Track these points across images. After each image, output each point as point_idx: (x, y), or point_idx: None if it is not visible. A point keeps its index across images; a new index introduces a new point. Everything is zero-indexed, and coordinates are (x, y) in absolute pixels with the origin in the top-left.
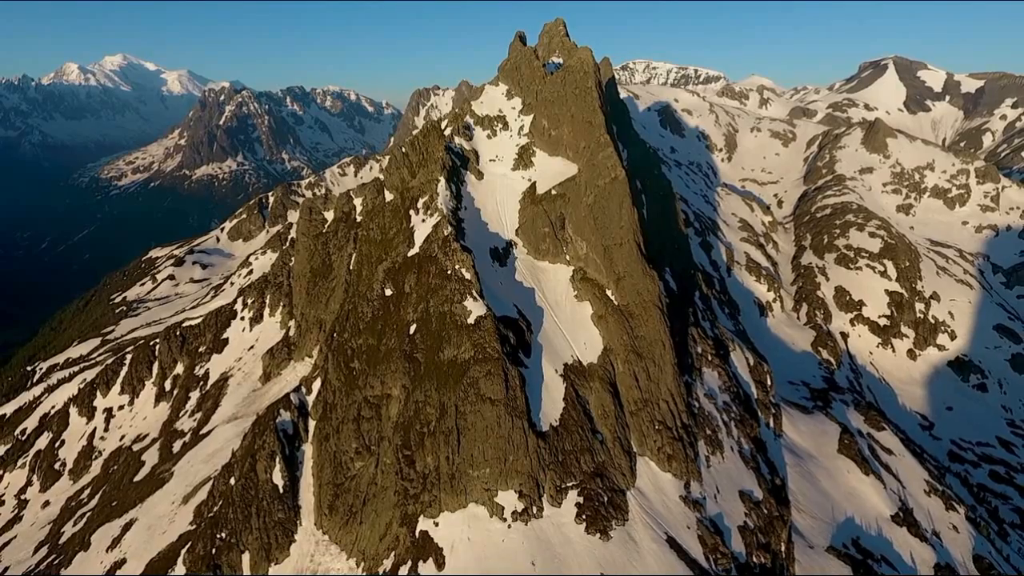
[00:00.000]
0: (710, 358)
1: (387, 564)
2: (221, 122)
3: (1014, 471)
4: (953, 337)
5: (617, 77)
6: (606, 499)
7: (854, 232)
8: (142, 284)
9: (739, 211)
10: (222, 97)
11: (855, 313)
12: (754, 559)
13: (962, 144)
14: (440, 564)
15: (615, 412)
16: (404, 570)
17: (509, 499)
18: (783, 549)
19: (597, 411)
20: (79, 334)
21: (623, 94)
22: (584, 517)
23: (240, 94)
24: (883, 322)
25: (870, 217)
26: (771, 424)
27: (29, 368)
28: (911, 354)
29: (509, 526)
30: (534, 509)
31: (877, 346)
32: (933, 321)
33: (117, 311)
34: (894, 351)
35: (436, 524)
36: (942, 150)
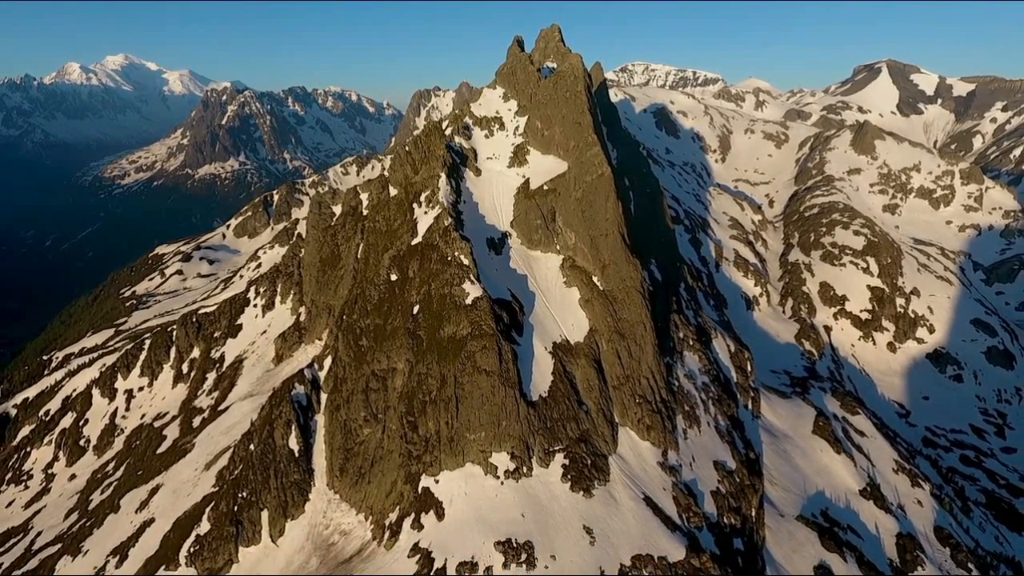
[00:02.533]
0: (691, 343)
1: (392, 517)
2: (223, 122)
3: (984, 455)
4: (932, 331)
5: (616, 79)
6: (589, 462)
7: (839, 230)
8: (151, 279)
9: (730, 210)
10: (224, 97)
11: (838, 307)
12: (725, 520)
13: (953, 146)
14: (440, 515)
15: (599, 386)
16: (408, 522)
17: (502, 460)
18: (753, 514)
19: (583, 385)
20: (91, 326)
21: (620, 96)
22: (569, 477)
23: (242, 94)
24: (865, 316)
25: (855, 216)
26: (749, 406)
27: (45, 357)
28: (891, 347)
29: (502, 483)
30: (524, 469)
31: (859, 339)
32: (913, 315)
33: (127, 304)
34: (875, 344)
35: (437, 481)
36: (928, 152)
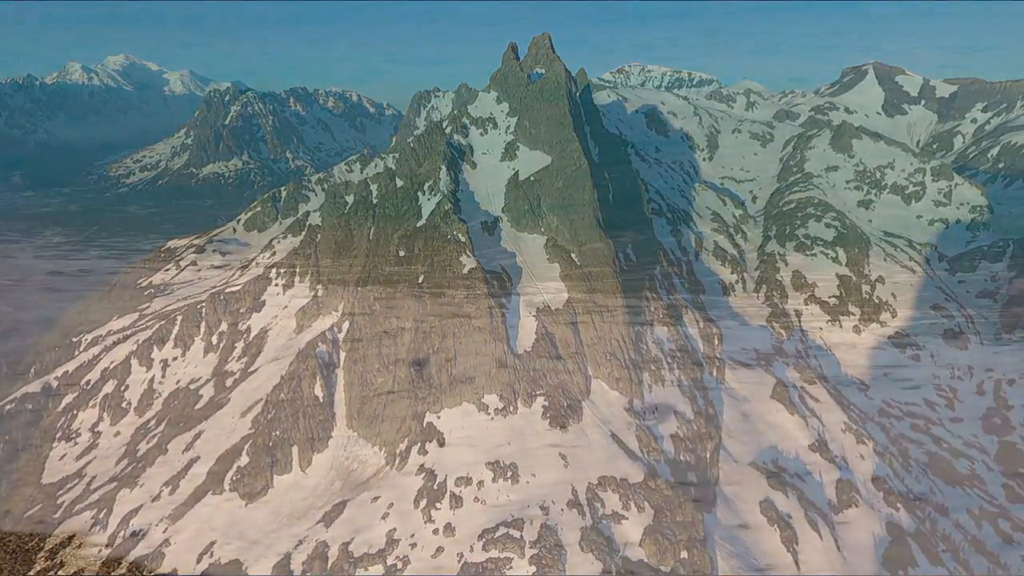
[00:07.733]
0: (662, 316)
1: (402, 446)
2: (227, 122)
3: (933, 423)
4: (894, 315)
5: (613, 80)
6: (565, 404)
7: (812, 223)
8: (166, 270)
9: (712, 205)
10: (227, 97)
11: (808, 294)
12: (681, 457)
13: (935, 146)
14: (441, 443)
15: (575, 344)
16: (415, 449)
17: (492, 400)
18: (708, 456)
19: (561, 343)
20: (115, 311)
21: (613, 97)
22: (548, 415)
23: (245, 95)
24: (833, 302)
25: (828, 209)
26: (714, 374)
27: (74, 339)
28: (856, 329)
29: (492, 418)
30: (511, 408)
31: (827, 322)
32: (877, 301)
33: (146, 293)
34: (841, 327)
35: (438, 417)
36: (902, 150)
